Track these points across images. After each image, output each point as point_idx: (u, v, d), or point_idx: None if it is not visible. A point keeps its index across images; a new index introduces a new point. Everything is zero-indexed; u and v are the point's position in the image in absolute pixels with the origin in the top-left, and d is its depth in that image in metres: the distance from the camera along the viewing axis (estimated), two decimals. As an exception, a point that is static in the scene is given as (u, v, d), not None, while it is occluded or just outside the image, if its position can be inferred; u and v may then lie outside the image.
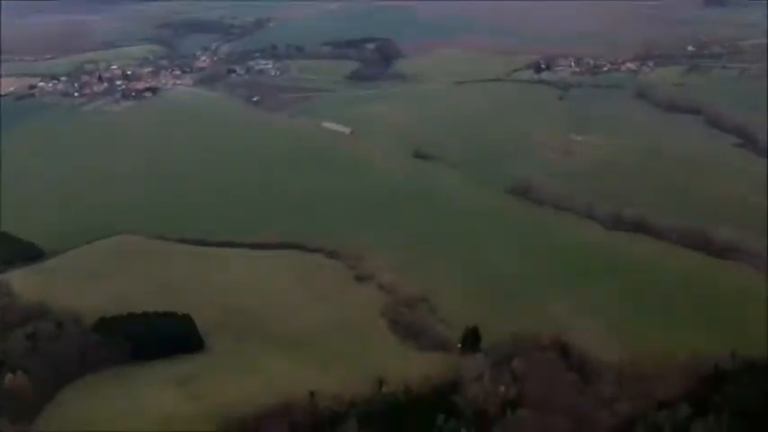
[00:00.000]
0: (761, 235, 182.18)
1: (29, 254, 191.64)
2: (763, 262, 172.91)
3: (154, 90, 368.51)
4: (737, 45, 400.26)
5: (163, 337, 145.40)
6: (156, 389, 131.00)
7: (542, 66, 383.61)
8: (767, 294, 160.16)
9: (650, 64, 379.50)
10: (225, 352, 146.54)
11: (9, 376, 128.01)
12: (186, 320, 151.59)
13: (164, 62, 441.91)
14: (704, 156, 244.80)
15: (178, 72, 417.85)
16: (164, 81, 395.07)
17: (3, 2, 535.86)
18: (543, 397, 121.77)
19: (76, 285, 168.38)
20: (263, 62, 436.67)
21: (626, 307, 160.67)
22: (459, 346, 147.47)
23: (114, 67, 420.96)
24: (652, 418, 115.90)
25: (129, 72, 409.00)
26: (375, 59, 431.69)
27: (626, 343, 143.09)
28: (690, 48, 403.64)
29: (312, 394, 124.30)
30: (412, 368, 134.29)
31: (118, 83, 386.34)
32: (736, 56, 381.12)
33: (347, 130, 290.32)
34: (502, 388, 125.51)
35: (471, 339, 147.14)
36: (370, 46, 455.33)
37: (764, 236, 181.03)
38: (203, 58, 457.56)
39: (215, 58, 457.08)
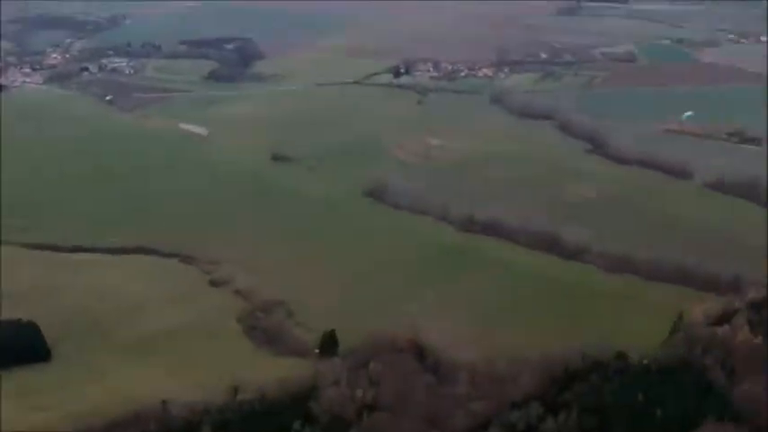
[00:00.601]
0: (609, 237, 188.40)
1: None
2: (611, 263, 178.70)
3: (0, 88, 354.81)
4: (588, 53, 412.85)
5: (6, 347, 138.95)
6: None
7: (401, 70, 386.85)
8: (614, 295, 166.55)
9: (506, 70, 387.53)
10: (73, 361, 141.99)
11: None
12: (32, 328, 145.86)
13: (11, 59, 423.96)
14: (556, 160, 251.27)
15: (27, 69, 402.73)
16: (11, 79, 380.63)
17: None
18: (399, 399, 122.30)
19: None
20: (117, 60, 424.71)
21: (479, 308, 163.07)
22: (317, 350, 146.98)
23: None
24: (506, 418, 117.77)
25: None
26: (234, 60, 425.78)
27: (480, 343, 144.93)
28: (543, 55, 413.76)
29: (164, 403, 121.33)
30: (268, 374, 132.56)
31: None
32: (587, 64, 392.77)
33: (204, 132, 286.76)
34: (359, 392, 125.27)
35: (328, 344, 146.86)
36: (230, 46, 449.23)
37: (614, 238, 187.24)
38: (54, 55, 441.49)
39: (67, 56, 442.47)
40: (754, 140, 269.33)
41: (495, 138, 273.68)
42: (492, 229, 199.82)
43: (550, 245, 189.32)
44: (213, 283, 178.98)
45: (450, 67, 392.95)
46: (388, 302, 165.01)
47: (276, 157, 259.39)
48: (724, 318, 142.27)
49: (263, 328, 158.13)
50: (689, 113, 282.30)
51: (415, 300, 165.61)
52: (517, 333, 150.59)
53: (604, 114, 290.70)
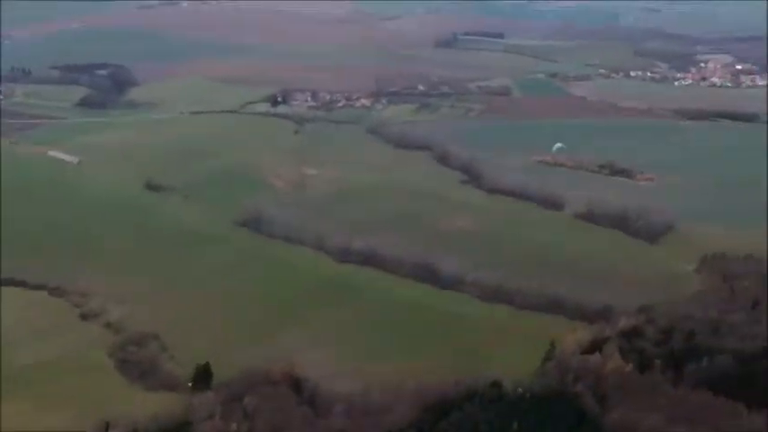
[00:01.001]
0: (484, 267, 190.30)
1: None
2: (486, 292, 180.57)
3: None
4: (465, 86, 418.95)
5: None
6: None
7: (279, 99, 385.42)
8: (488, 324, 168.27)
9: (383, 101, 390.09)
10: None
11: None
12: None
13: None
14: (432, 191, 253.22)
15: None
16: None
17: None
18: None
19: None
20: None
21: (357, 339, 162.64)
22: (190, 384, 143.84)
23: None
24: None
25: None
26: (107, 86, 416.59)
27: (357, 374, 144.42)
28: (421, 87, 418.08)
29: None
30: (141, 409, 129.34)
31: None
32: (464, 96, 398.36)
33: (75, 160, 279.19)
34: (233, 426, 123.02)
35: (202, 377, 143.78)
36: (103, 72, 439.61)
37: (489, 267, 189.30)
38: None
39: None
40: (623, 172, 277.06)
41: (372, 168, 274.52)
42: (369, 260, 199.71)
43: (427, 275, 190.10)
44: (83, 316, 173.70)
45: (328, 97, 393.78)
46: (264, 334, 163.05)
47: (150, 186, 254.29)
48: (595, 346, 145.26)
49: (136, 362, 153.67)
50: (559, 145, 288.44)
51: (292, 331, 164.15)
52: (394, 363, 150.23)
53: (480, 146, 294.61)
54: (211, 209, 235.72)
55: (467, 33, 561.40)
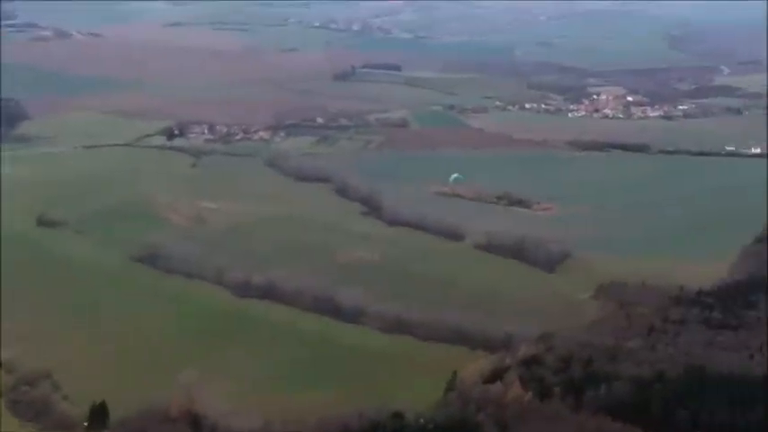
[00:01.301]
0: (385, 298, 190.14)
1: None
2: (387, 324, 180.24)
3: None
4: (364, 118, 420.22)
5: None
6: None
7: (175, 132, 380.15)
8: (390, 355, 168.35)
9: (282, 134, 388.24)
10: None
11: None
12: None
13: None
14: (332, 223, 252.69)
15: None
16: None
17: None
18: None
19: None
20: None
21: (258, 373, 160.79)
22: (85, 424, 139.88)
23: None
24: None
25: None
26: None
27: (258, 409, 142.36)
28: (320, 119, 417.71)
29: None
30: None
31: None
32: (363, 128, 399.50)
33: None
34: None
35: (98, 416, 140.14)
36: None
37: (391, 299, 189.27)
38: None
39: None
40: (521, 202, 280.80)
41: (271, 201, 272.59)
42: (269, 293, 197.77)
43: (327, 307, 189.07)
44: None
45: (225, 130, 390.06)
46: (162, 371, 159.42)
47: (42, 222, 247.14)
48: (496, 375, 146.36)
49: (28, 402, 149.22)
50: (456, 176, 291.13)
51: (190, 367, 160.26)
52: (295, 397, 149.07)
53: (380, 177, 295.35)
54: (106, 244, 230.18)
55: (365, 66, 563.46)
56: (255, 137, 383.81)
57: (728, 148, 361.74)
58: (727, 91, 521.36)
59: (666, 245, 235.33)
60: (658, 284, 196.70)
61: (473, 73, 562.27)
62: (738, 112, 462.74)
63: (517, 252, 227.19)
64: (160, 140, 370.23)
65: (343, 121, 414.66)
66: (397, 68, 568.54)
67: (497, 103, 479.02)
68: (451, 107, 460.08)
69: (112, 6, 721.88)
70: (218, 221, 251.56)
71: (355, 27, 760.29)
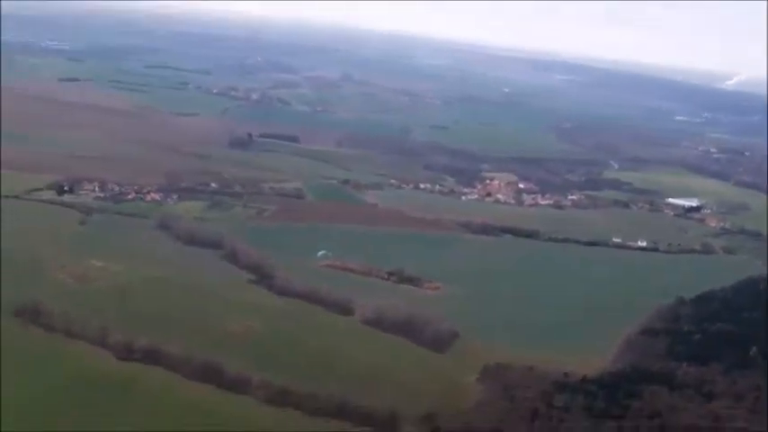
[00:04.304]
0: (271, 370, 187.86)
1: None
2: (271, 395, 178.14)
3: None
4: (258, 186, 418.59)
5: None
6: None
7: (65, 187, 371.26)
8: (274, 428, 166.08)
9: (174, 197, 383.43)
10: None
11: None
12: None
13: None
14: (220, 290, 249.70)
15: None
16: None
17: None
18: None
19: None
20: None
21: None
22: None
23: None
24: None
25: None
26: None
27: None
28: (213, 185, 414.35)
29: None
30: None
31: None
32: (256, 196, 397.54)
33: None
34: None
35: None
36: None
37: (277, 370, 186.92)
38: None
39: None
40: (411, 280, 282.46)
41: (159, 264, 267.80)
42: (152, 358, 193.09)
43: (211, 376, 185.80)
44: None
45: (117, 189, 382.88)
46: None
47: None
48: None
49: None
50: (323, 252, 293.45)
51: None
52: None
53: (271, 247, 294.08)
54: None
55: (262, 135, 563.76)
56: (148, 198, 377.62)
57: (615, 240, 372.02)
58: (615, 184, 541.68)
59: (553, 331, 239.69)
60: (544, 370, 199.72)
61: (369, 150, 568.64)
62: (626, 205, 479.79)
63: (406, 330, 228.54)
64: (50, 195, 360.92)
65: (238, 188, 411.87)
66: (295, 140, 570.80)
67: (392, 180, 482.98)
68: (347, 182, 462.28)
69: (10, 59, 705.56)
70: (104, 281, 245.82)
71: (254, 96, 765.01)
